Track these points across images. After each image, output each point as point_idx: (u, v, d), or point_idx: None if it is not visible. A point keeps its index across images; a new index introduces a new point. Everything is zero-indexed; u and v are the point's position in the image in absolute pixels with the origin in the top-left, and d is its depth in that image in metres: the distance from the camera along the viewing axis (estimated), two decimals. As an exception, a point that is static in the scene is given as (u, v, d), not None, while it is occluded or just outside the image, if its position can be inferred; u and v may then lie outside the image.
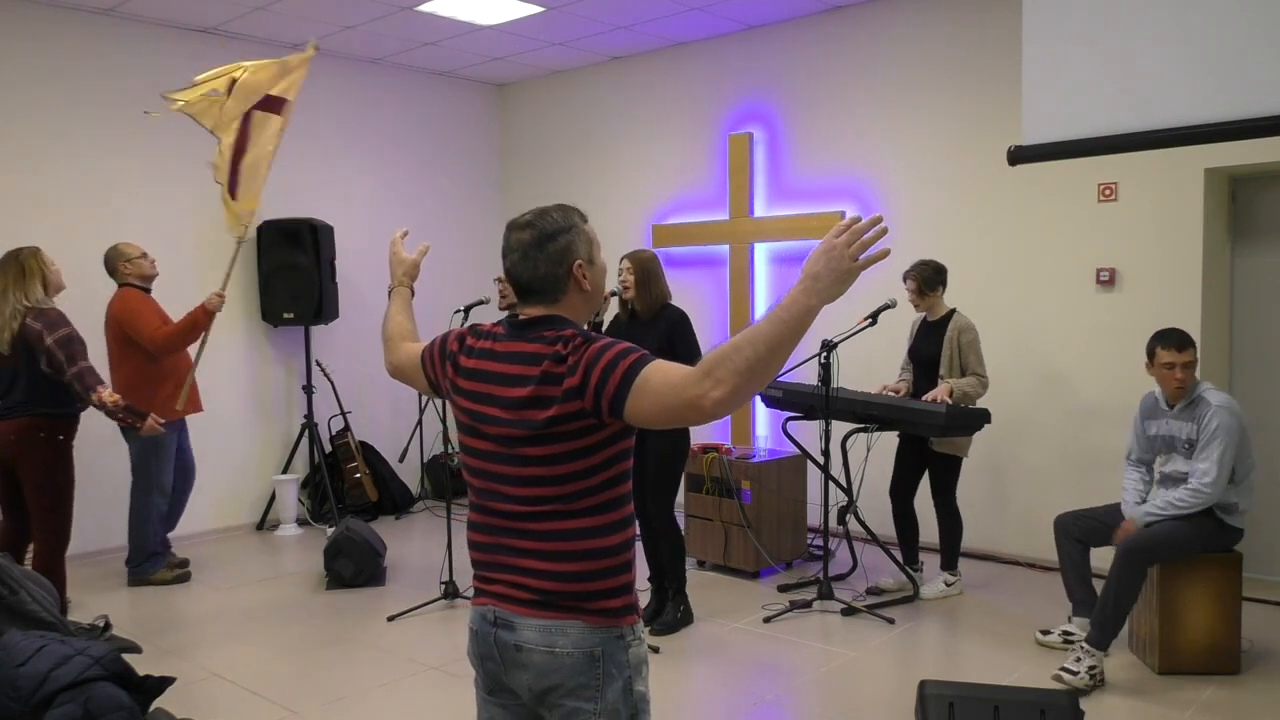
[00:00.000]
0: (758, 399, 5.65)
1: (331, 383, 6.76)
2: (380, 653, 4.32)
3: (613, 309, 4.69)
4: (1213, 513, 3.89)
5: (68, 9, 5.76)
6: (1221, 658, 3.92)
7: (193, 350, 5.15)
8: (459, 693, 3.75)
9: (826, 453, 4.77)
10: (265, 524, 6.64)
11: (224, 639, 4.55)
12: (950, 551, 4.99)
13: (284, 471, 6.70)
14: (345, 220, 6.90)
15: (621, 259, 4.50)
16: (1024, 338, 5.42)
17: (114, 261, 5.17)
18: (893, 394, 4.95)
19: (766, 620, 4.63)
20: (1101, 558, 4.18)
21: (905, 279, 4.91)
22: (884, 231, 1.62)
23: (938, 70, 5.70)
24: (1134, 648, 4.15)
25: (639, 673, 1.82)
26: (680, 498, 4.99)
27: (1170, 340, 3.94)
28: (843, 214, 5.99)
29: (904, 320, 5.12)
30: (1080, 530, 4.19)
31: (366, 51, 6.91)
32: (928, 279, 4.84)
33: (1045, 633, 4.28)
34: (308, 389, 6.68)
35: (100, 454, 5.42)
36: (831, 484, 4.87)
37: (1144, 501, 4.08)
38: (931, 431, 4.66)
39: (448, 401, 1.95)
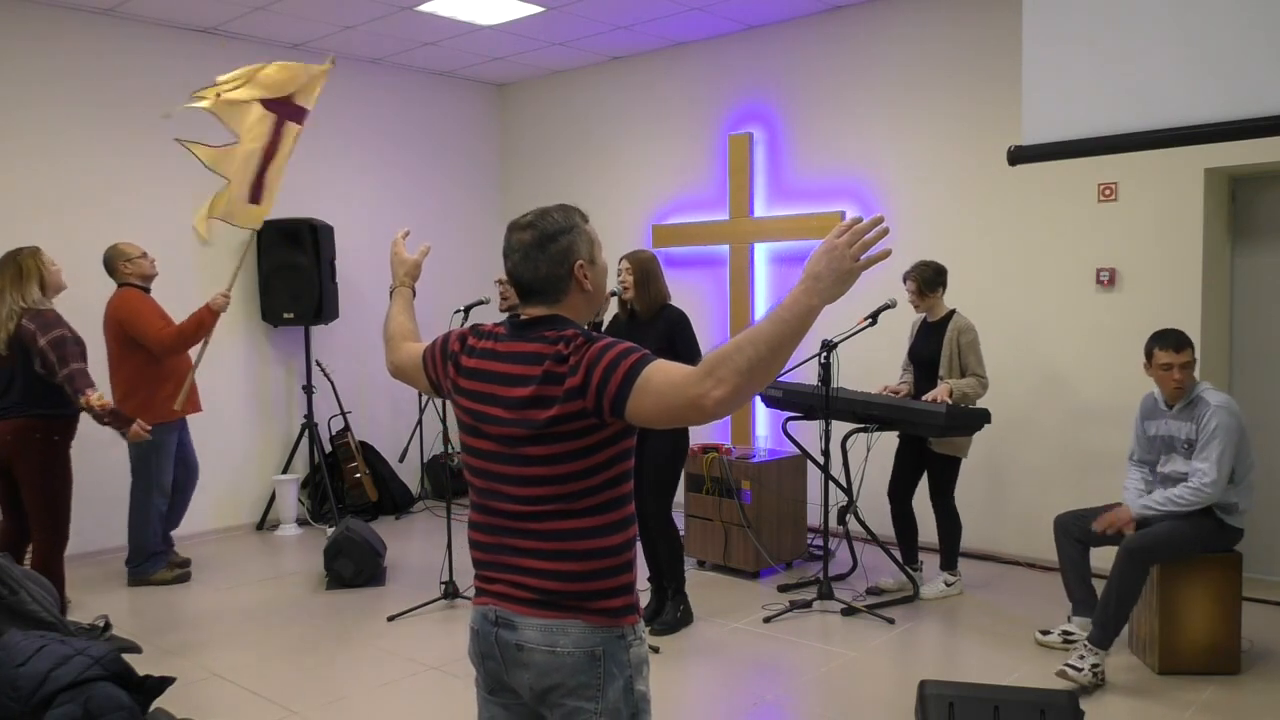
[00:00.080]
0: (758, 399, 5.65)
1: (331, 383, 6.77)
2: (380, 653, 4.32)
3: (612, 309, 4.69)
4: (1213, 513, 3.89)
5: (68, 9, 5.76)
6: (1221, 658, 3.92)
7: (193, 351, 5.16)
8: (459, 693, 3.75)
9: (826, 453, 4.77)
10: (265, 524, 6.64)
11: (224, 639, 4.55)
12: (950, 552, 4.99)
13: (284, 471, 6.70)
14: (345, 220, 6.91)
15: (620, 259, 4.50)
16: (1024, 338, 5.42)
17: (114, 261, 5.17)
18: (893, 394, 4.95)
19: (766, 620, 4.63)
20: (1101, 558, 4.18)
21: (905, 280, 4.91)
22: (885, 232, 1.62)
23: (938, 70, 5.70)
24: (1134, 648, 4.15)
25: (640, 672, 1.82)
26: (680, 498, 5.00)
27: (1168, 341, 3.94)
28: (843, 214, 5.99)
29: (904, 320, 5.13)
30: (1080, 530, 4.19)
31: (366, 51, 6.91)
32: (928, 280, 4.84)
33: (1045, 633, 4.28)
34: (308, 389, 6.68)
35: (100, 454, 5.41)
36: (831, 484, 4.87)
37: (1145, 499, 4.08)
38: (931, 432, 4.66)
39: (449, 401, 1.95)
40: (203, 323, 5.07)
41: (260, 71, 4.54)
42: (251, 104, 4.53)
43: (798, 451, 5.39)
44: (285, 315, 6.51)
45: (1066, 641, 4.14)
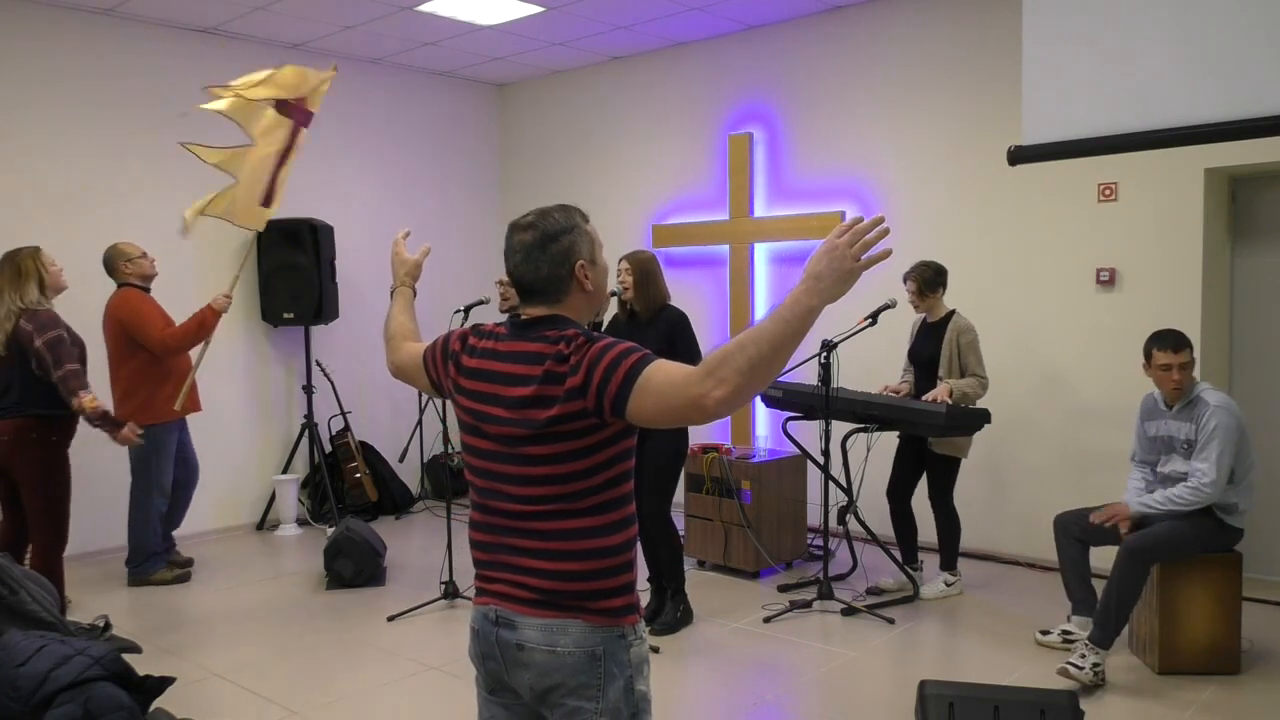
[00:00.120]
0: (758, 399, 5.65)
1: (331, 383, 6.76)
2: (380, 653, 4.32)
3: (611, 309, 4.69)
4: (1213, 513, 3.89)
5: (68, 9, 5.76)
6: (1221, 658, 3.92)
7: (194, 351, 5.16)
8: (459, 693, 3.75)
9: (826, 453, 4.77)
10: (265, 524, 6.64)
11: (224, 639, 4.55)
12: (949, 552, 4.99)
13: (284, 471, 6.70)
14: (345, 220, 6.91)
15: (620, 260, 4.50)
16: (1024, 338, 5.42)
17: (114, 261, 5.17)
18: (894, 394, 4.95)
19: (766, 620, 4.63)
20: (1101, 557, 4.18)
21: (905, 280, 4.91)
22: (886, 232, 1.62)
23: (938, 70, 5.70)
24: (1134, 648, 4.15)
25: (640, 672, 1.82)
26: (680, 498, 5.00)
27: (1166, 342, 3.94)
28: (843, 214, 5.99)
29: (904, 321, 5.13)
30: (1080, 530, 4.19)
31: (366, 51, 6.91)
32: (928, 280, 4.84)
33: (1045, 633, 4.28)
34: (308, 389, 6.68)
35: (100, 454, 5.39)
36: (831, 484, 4.87)
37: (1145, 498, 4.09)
38: (931, 431, 4.66)
39: (450, 401, 1.96)
40: (204, 323, 5.08)
41: (277, 74, 4.56)
42: (266, 106, 4.53)
43: (798, 451, 5.39)
44: (285, 315, 6.51)
45: (1066, 641, 4.14)
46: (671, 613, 4.53)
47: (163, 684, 3.09)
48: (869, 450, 5.03)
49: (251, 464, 6.64)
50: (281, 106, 4.58)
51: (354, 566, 5.26)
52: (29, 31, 5.65)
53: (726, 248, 6.60)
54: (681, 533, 5.06)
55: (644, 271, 4.45)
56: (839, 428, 4.89)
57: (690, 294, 6.48)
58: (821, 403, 4.77)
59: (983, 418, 4.69)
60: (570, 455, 1.74)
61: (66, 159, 5.80)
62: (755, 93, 6.51)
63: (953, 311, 4.88)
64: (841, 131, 6.12)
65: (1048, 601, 4.69)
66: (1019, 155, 3.39)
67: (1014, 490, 5.53)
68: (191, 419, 5.44)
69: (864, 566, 5.29)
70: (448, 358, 1.95)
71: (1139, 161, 4.79)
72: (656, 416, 1.67)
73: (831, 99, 6.16)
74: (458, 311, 4.93)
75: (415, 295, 2.36)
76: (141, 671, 3.11)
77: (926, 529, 5.05)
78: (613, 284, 4.36)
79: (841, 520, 4.92)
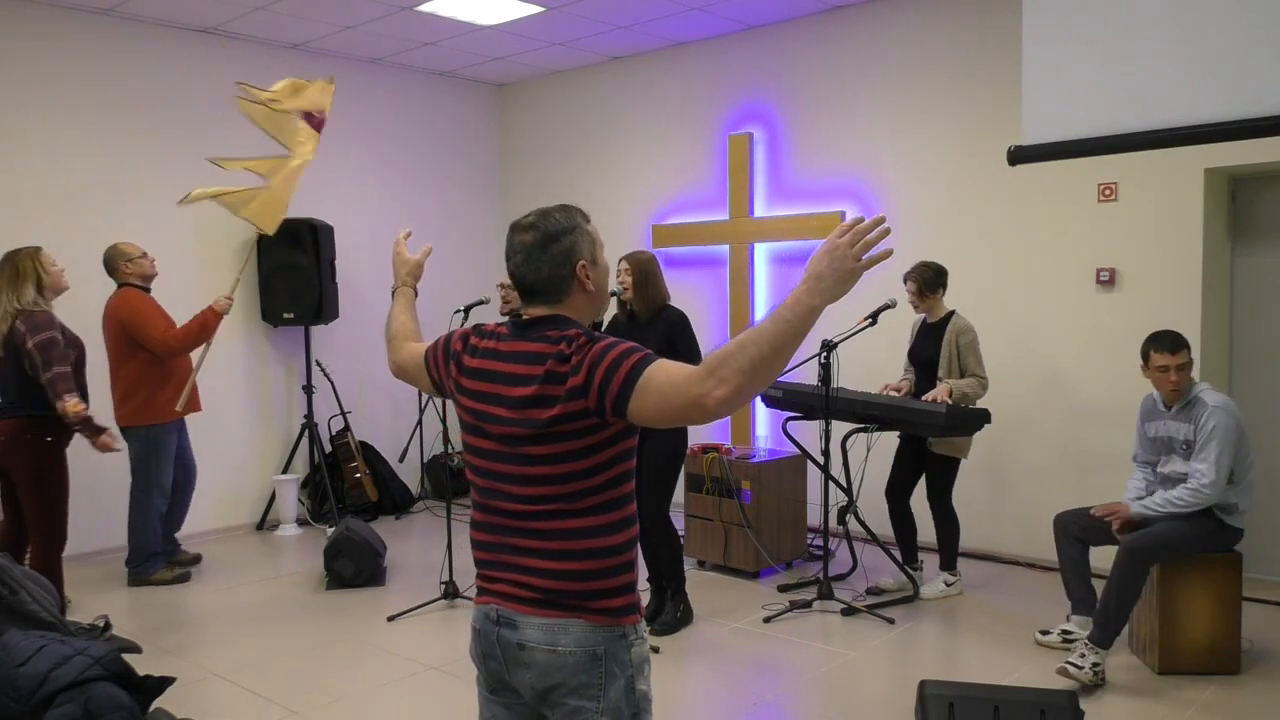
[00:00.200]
0: (758, 399, 5.65)
1: (331, 383, 6.76)
2: (380, 653, 4.32)
3: (611, 309, 4.69)
4: (1212, 513, 3.89)
5: (68, 9, 5.76)
6: (1221, 658, 3.92)
7: (195, 352, 5.17)
8: (459, 693, 3.75)
9: (826, 453, 4.77)
10: (265, 524, 6.63)
11: (224, 639, 4.55)
12: (949, 552, 4.99)
13: (284, 471, 6.70)
14: (345, 220, 6.90)
15: (619, 260, 4.50)
16: (1024, 338, 5.42)
17: (115, 261, 5.17)
18: (894, 393, 4.96)
19: (766, 620, 4.63)
20: (1101, 557, 4.18)
21: (906, 280, 4.91)
22: (887, 232, 1.63)
23: (938, 70, 5.70)
24: (1134, 648, 4.15)
25: (641, 672, 1.82)
26: (680, 498, 5.00)
27: (1163, 343, 3.94)
28: (843, 214, 6.00)
29: (904, 321, 5.13)
30: (1080, 529, 4.19)
31: (366, 51, 6.91)
32: (928, 281, 4.85)
33: (1045, 633, 4.28)
34: (308, 389, 6.68)
35: (99, 454, 5.40)
36: (831, 484, 4.87)
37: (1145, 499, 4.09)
38: (931, 431, 4.66)
39: (451, 401, 1.96)
40: (206, 324, 5.10)
41: (304, 89, 4.68)
42: (297, 118, 4.67)
43: (798, 451, 5.39)
44: (285, 315, 6.51)
45: (1066, 641, 4.14)
46: (672, 613, 4.53)
47: (163, 684, 3.09)
48: (869, 450, 5.03)
49: (251, 464, 6.64)
50: (309, 119, 4.72)
51: (354, 566, 5.26)
52: (29, 31, 5.65)
53: (726, 248, 6.61)
54: (681, 533, 5.06)
55: (643, 272, 4.45)
56: (839, 428, 4.89)
57: (690, 294, 6.48)
58: (821, 403, 4.77)
59: (982, 418, 4.69)
60: (571, 455, 1.74)
61: (66, 159, 5.80)
62: (755, 93, 6.51)
63: (952, 312, 4.88)
64: (841, 131, 6.12)
65: (1048, 601, 4.69)
66: (1019, 155, 3.39)
67: (1014, 490, 5.53)
68: (191, 419, 5.44)
69: (864, 566, 5.29)
70: (449, 357, 1.95)
71: (1139, 161, 4.79)
72: (658, 416, 1.67)
73: (831, 99, 6.16)
74: (458, 311, 4.93)
75: (416, 295, 2.36)
76: (141, 671, 3.11)
77: (926, 529, 5.05)
78: (612, 284, 4.36)
79: (841, 520, 4.92)
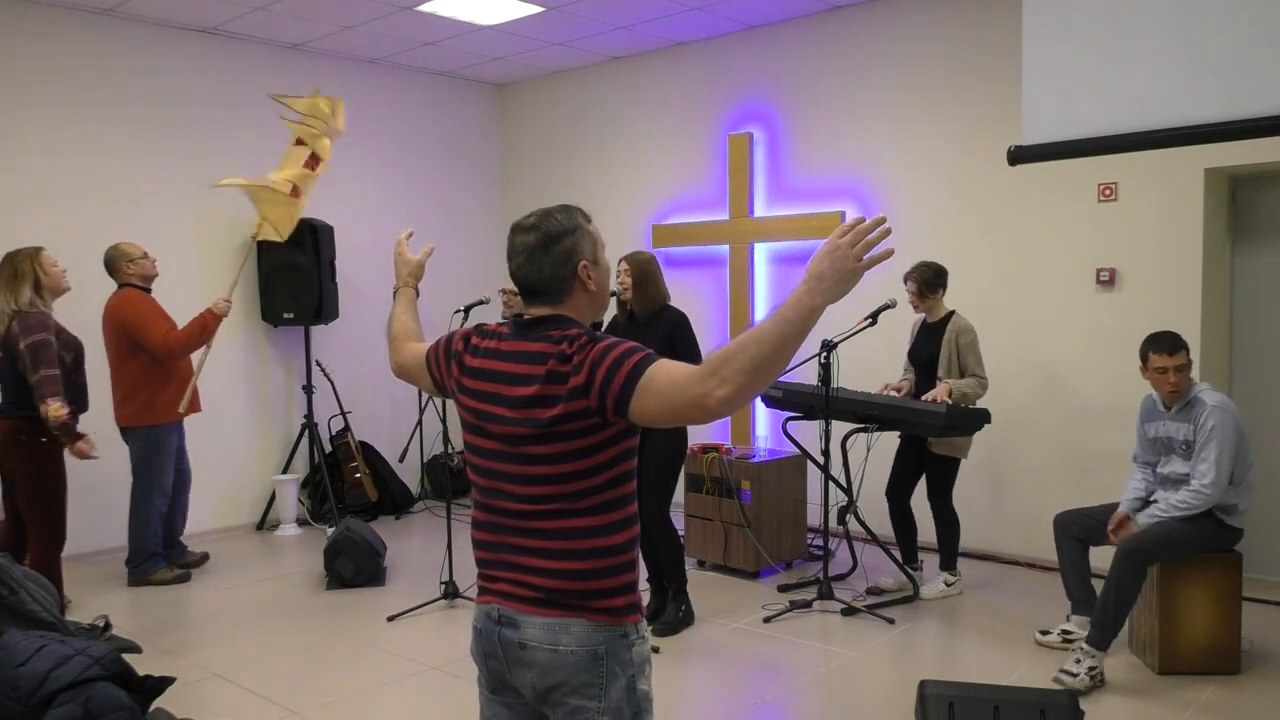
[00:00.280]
0: (758, 399, 5.65)
1: (331, 383, 6.76)
2: (380, 653, 4.32)
3: (611, 310, 4.69)
4: (1212, 513, 3.89)
5: (68, 9, 5.75)
6: (1221, 658, 3.92)
7: (196, 354, 5.17)
8: (459, 693, 3.75)
9: (826, 453, 4.77)
10: (265, 524, 6.63)
11: (224, 639, 4.55)
12: (949, 552, 4.99)
13: (284, 471, 6.70)
14: (345, 220, 6.90)
15: (619, 260, 4.50)
16: (1024, 338, 5.42)
17: (115, 261, 5.17)
18: (894, 392, 4.96)
19: (766, 620, 4.63)
20: (1101, 557, 4.18)
21: (906, 280, 4.91)
22: (888, 232, 1.63)
23: (938, 70, 5.70)
24: (1134, 648, 4.15)
25: (642, 671, 1.82)
26: (680, 498, 5.00)
27: (1162, 345, 3.94)
28: (843, 214, 6.00)
29: (904, 321, 5.13)
30: (1080, 529, 4.20)
31: (366, 51, 6.91)
32: (928, 281, 4.85)
33: (1045, 633, 4.28)
34: (308, 389, 6.67)
35: (100, 454, 5.40)
36: (831, 484, 4.87)
37: (1144, 499, 4.09)
38: (931, 431, 4.66)
39: (453, 401, 1.96)
40: (206, 326, 5.12)
41: (336, 107, 4.98)
42: (326, 136, 5.02)
43: (798, 451, 5.39)
44: (285, 315, 6.51)
45: (1066, 641, 4.14)
46: (673, 613, 4.53)
47: (163, 684, 3.10)
48: (869, 450, 5.03)
49: (251, 464, 6.63)
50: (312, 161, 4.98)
51: (354, 566, 5.26)
52: (29, 31, 5.64)
53: (726, 248, 6.61)
54: (681, 533, 5.06)
55: (643, 272, 4.45)
56: (839, 428, 4.89)
57: (690, 294, 6.48)
58: (821, 403, 4.77)
59: (982, 418, 4.69)
60: (573, 455, 1.74)
61: (66, 159, 5.80)
62: (755, 93, 6.51)
63: (952, 312, 4.88)
64: (841, 131, 6.12)
65: (1048, 601, 4.70)
66: (1019, 155, 3.39)
67: (1014, 490, 5.53)
68: (191, 419, 5.43)
69: (864, 566, 5.29)
70: (450, 357, 1.96)
71: (1139, 161, 4.79)
72: (659, 416, 1.67)
73: (831, 99, 6.16)
74: (458, 311, 4.93)
75: (418, 295, 2.36)
76: (141, 671, 3.11)
77: (926, 529, 5.05)
78: (612, 284, 4.36)
79: (841, 520, 4.92)
